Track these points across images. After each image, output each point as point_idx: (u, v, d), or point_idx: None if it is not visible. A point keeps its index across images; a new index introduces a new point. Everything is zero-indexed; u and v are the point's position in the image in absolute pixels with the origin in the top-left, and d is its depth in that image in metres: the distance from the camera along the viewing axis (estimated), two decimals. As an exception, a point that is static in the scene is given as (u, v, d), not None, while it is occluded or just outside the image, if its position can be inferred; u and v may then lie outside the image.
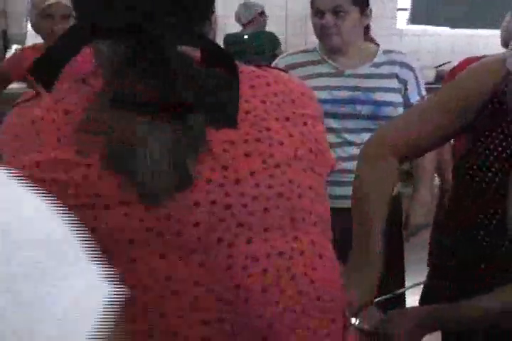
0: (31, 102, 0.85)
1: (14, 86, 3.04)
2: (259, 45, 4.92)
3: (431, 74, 5.24)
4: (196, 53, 0.83)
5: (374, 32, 2.36)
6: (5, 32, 5.18)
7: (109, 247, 0.78)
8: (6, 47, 4.98)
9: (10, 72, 2.79)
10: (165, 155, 0.78)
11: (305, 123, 0.89)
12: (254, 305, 0.82)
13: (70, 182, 0.79)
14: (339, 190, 1.97)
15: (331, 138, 2.21)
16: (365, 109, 2.17)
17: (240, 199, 0.81)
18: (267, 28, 5.15)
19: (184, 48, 0.83)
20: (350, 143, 2.17)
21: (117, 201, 0.78)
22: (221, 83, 0.82)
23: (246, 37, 4.99)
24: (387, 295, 1.52)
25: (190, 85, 0.79)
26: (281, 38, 5.14)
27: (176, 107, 0.79)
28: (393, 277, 1.68)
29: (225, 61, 0.83)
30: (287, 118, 0.87)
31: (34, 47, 2.77)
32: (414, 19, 6.19)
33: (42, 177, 0.79)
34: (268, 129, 0.84)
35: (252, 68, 0.90)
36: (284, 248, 0.84)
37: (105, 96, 0.79)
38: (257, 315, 0.82)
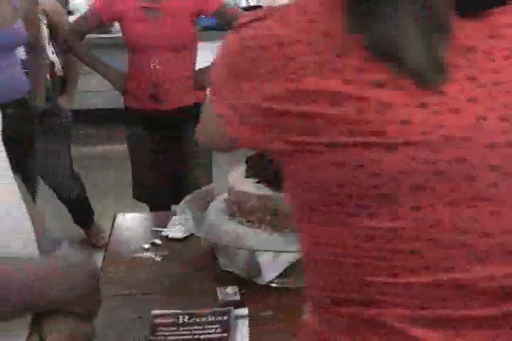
0: (261, 24, 0.73)
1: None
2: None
3: None
4: None
5: None
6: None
7: (392, 193, 0.69)
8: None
9: (101, 14, 2.80)
10: None
11: None
12: None
13: (340, 116, 0.68)
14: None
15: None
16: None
17: None
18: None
19: None
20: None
21: (402, 141, 0.68)
22: None
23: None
24: None
25: None
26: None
27: None
28: None
29: None
30: None
31: None
32: None
33: (300, 111, 0.69)
34: None
35: None
36: None
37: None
38: None
